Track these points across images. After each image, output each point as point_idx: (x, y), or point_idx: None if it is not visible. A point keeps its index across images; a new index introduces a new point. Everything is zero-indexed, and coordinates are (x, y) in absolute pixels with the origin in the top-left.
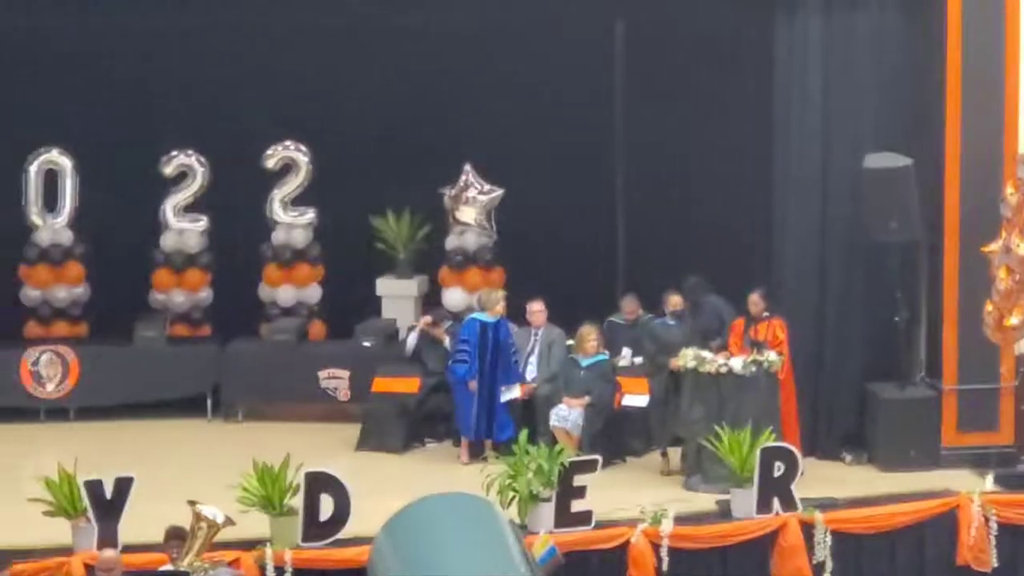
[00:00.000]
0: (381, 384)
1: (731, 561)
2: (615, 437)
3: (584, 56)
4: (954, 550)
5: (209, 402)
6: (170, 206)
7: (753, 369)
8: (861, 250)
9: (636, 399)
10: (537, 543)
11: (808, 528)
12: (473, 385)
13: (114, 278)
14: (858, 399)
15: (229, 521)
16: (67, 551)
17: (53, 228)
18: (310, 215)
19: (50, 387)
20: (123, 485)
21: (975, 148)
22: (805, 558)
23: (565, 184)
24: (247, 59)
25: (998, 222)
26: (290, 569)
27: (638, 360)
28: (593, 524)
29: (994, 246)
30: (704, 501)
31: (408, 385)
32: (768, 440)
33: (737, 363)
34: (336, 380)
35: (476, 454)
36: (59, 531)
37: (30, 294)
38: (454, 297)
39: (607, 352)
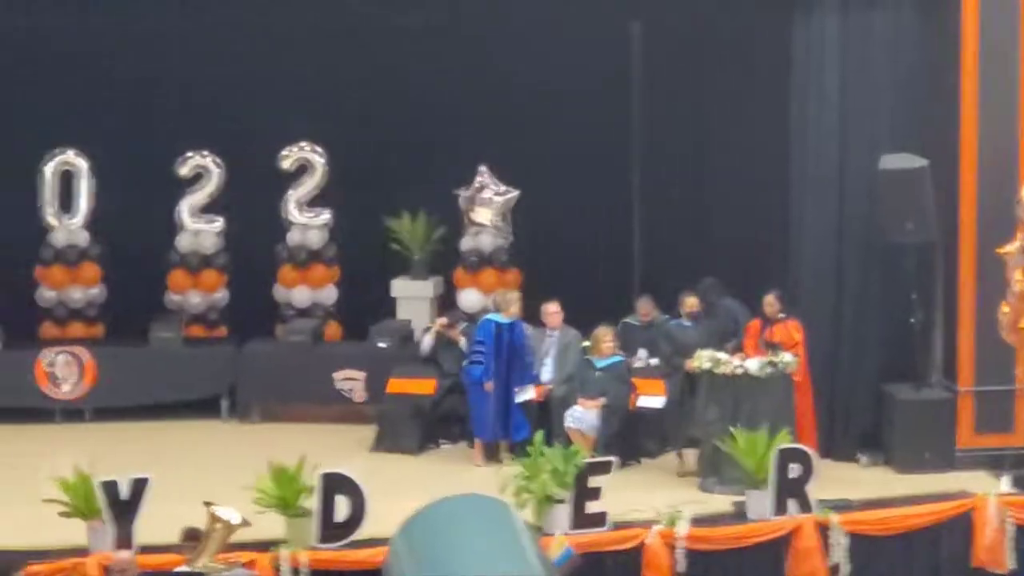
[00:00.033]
0: (396, 385)
1: (746, 563)
2: (630, 438)
3: (600, 56)
4: (970, 552)
5: (225, 403)
6: (186, 207)
7: (769, 370)
8: (877, 251)
9: (652, 400)
10: (553, 545)
11: (824, 530)
12: (489, 386)
13: (130, 279)
14: (874, 400)
15: (244, 522)
16: (83, 552)
17: (69, 229)
18: (326, 216)
19: (66, 388)
20: (139, 486)
21: (991, 149)
22: (821, 560)
23: (581, 185)
24: (264, 60)
25: (1014, 223)
26: (306, 570)
27: (654, 361)
28: (608, 525)
29: (1010, 247)
30: (720, 502)
31: (423, 386)
32: (784, 441)
33: (753, 364)
34: (351, 381)
35: (491, 455)
36: (75, 532)
37: (46, 295)
38: (469, 298)
39: (623, 353)
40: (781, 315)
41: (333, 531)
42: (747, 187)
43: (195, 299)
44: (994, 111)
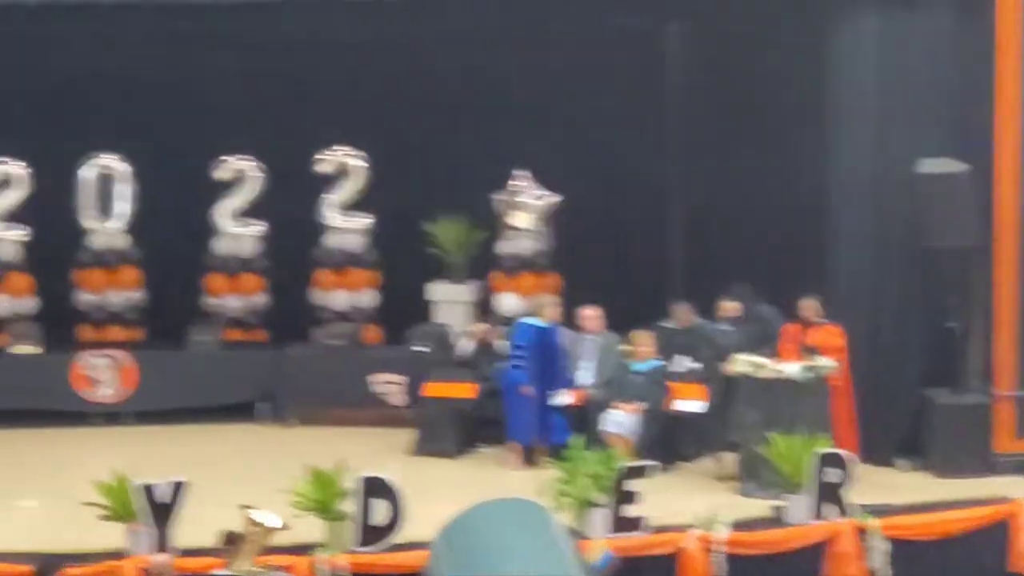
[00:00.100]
0: (433, 389)
1: (785, 567)
2: (669, 443)
3: (638, 60)
4: (1007, 557)
5: (263, 407)
6: (225, 211)
7: (808, 375)
8: (916, 256)
9: (692, 404)
10: (592, 548)
11: (862, 534)
12: (528, 390)
13: (169, 283)
14: (913, 405)
15: (283, 526)
16: (121, 555)
17: (108, 232)
18: (365, 220)
19: (104, 391)
20: (177, 489)
21: None
22: (859, 564)
23: (618, 189)
24: (302, 66)
25: None
26: (345, 574)
27: (694, 366)
28: (646, 530)
29: None
30: (758, 507)
31: (462, 390)
32: (822, 446)
33: (792, 369)
34: (390, 385)
35: (528, 459)
36: (113, 535)
37: (84, 298)
38: (507, 302)
39: (661, 357)
40: (820, 320)
41: (371, 535)
42: (784, 192)
43: (234, 303)
44: None
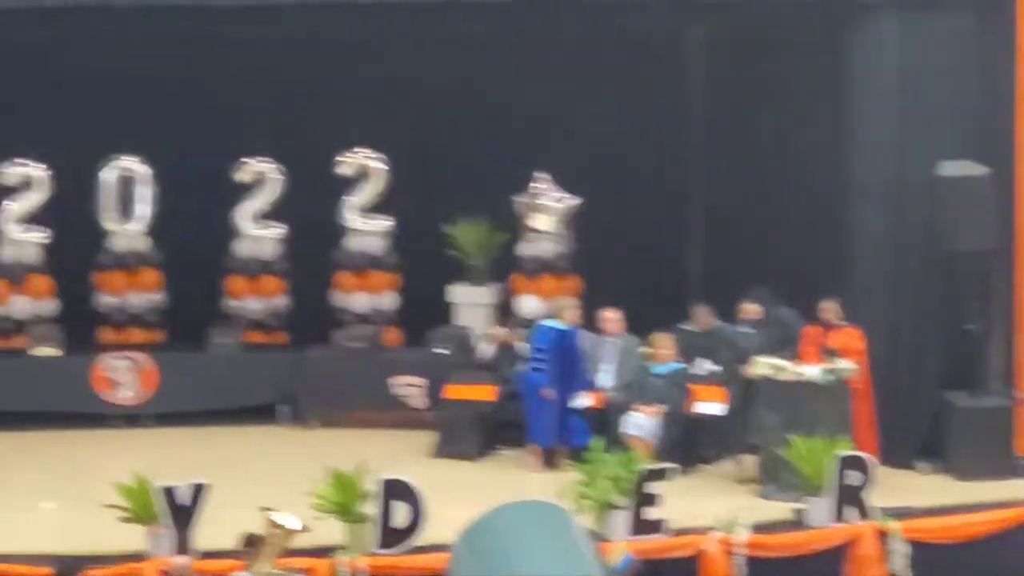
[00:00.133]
0: (454, 391)
1: (805, 570)
2: (689, 445)
3: (658, 63)
4: None
5: (283, 409)
6: (245, 213)
7: (828, 377)
8: (936, 259)
9: (712, 407)
10: (613, 551)
11: (883, 537)
12: (549, 392)
13: (189, 285)
14: (933, 408)
15: (303, 528)
16: (141, 557)
17: (128, 235)
18: (385, 222)
19: (124, 393)
20: (197, 492)
21: None
22: (880, 567)
23: (639, 192)
24: (323, 68)
25: None
26: None
27: (715, 368)
28: (667, 532)
29: None
30: (779, 509)
31: (483, 392)
32: (843, 448)
33: (812, 371)
34: (411, 387)
35: (548, 462)
36: (135, 537)
37: (105, 300)
38: (528, 304)
39: (681, 360)
40: (840, 322)
41: (392, 537)
42: (804, 194)
43: (254, 305)
44: None
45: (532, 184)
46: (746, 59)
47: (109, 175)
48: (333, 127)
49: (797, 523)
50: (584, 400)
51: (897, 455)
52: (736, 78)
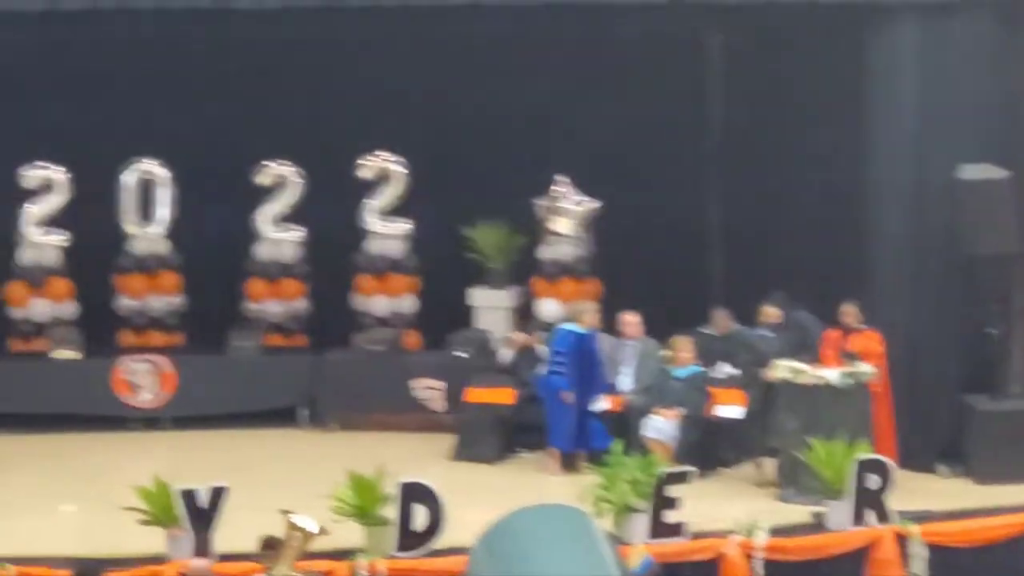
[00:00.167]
0: (475, 395)
1: (825, 574)
2: (709, 448)
3: (678, 68)
4: None
5: (303, 412)
6: (265, 216)
7: (848, 381)
8: (956, 262)
9: (731, 410)
10: (632, 554)
11: (903, 541)
12: (569, 396)
13: (209, 288)
14: (953, 411)
15: (322, 531)
16: (161, 560)
17: (148, 238)
18: (404, 225)
19: (144, 396)
20: (217, 494)
21: None
22: (900, 571)
23: (658, 196)
24: (341, 71)
25: None
26: None
27: (733, 372)
28: (686, 535)
29: None
30: (798, 513)
31: (502, 396)
32: (862, 452)
33: (831, 375)
34: (430, 390)
35: (568, 465)
36: (154, 540)
37: (125, 303)
38: (548, 308)
39: (701, 363)
40: (860, 325)
41: (412, 540)
42: (824, 197)
43: (274, 308)
44: None
45: (552, 187)
46: (765, 63)
47: (129, 178)
48: (353, 130)
49: (816, 526)
50: (603, 403)
51: (917, 458)
52: (755, 82)
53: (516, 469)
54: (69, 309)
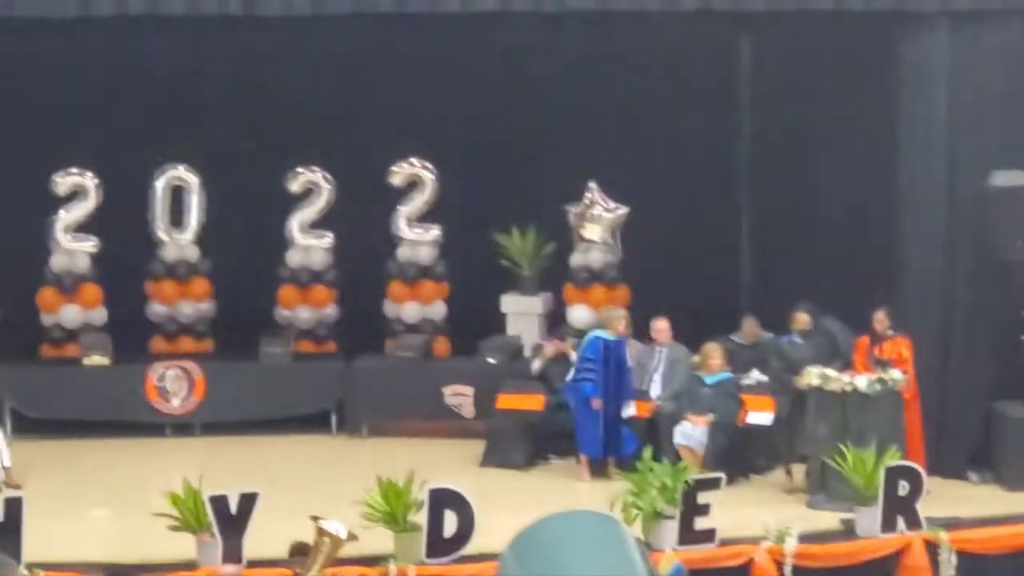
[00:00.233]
0: (505, 401)
1: None
2: (739, 455)
3: (709, 75)
4: None
5: (334, 418)
6: (296, 223)
7: (878, 387)
8: (987, 268)
9: (760, 417)
10: (663, 561)
11: (933, 547)
12: (598, 403)
13: (240, 294)
14: (984, 418)
15: (352, 537)
16: (192, 566)
17: (179, 244)
18: (435, 232)
19: (175, 402)
20: (247, 501)
21: None
22: None
23: (689, 202)
24: (373, 78)
25: None
26: None
27: (763, 379)
28: (716, 542)
29: None
30: (828, 520)
31: (533, 402)
32: (893, 459)
33: (862, 381)
34: (461, 397)
35: (597, 471)
36: (184, 546)
37: (156, 310)
38: (579, 314)
39: (731, 370)
40: (890, 332)
41: (441, 546)
42: (855, 204)
43: (305, 315)
44: None
45: (583, 194)
46: (796, 70)
47: (160, 184)
48: (384, 137)
49: (846, 533)
50: (632, 410)
51: (947, 465)
52: (786, 90)
53: (546, 475)
54: (100, 315)
